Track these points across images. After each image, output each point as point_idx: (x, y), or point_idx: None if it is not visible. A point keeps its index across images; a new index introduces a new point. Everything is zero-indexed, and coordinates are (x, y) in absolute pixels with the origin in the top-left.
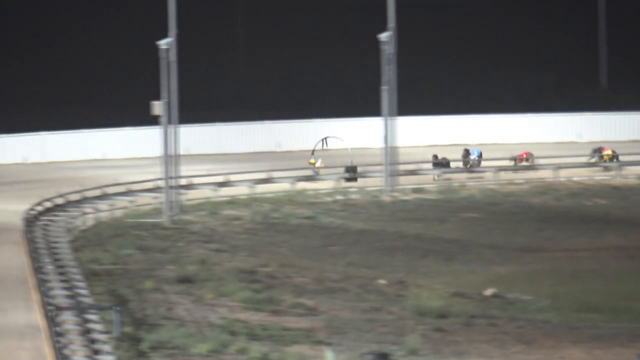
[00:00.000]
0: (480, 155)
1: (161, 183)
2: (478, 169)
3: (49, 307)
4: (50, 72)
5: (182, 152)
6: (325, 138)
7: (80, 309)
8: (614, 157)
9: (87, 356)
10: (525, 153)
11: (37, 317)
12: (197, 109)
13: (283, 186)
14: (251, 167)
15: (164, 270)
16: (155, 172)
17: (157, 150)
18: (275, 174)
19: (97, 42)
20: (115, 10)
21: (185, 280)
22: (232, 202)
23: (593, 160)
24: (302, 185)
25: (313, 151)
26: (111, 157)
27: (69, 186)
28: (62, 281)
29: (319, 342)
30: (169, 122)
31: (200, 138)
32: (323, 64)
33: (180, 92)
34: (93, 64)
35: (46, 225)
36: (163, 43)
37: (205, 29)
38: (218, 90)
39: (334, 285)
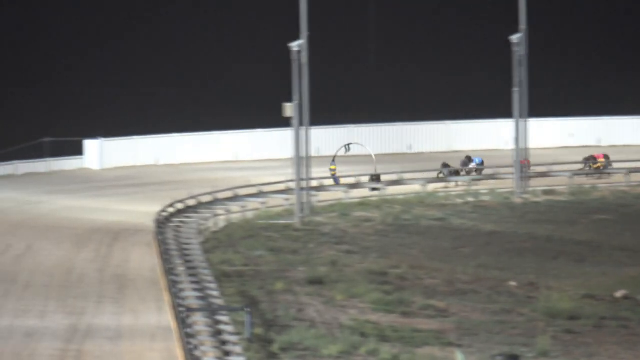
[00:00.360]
0: (481, 163)
1: (292, 185)
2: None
3: (180, 309)
4: (182, 75)
5: (313, 153)
6: (348, 144)
7: (211, 311)
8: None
9: (218, 357)
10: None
11: (168, 319)
12: (328, 110)
13: (414, 188)
14: (382, 169)
15: (295, 271)
16: (286, 174)
17: (288, 151)
18: (406, 176)
19: (229, 44)
20: (247, 12)
21: (316, 281)
22: (363, 203)
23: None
24: (433, 186)
25: (334, 158)
26: (243, 158)
27: (200, 187)
28: (193, 283)
29: (450, 344)
30: (301, 123)
31: (331, 140)
32: (454, 65)
33: (312, 94)
34: (224, 66)
35: (178, 226)
36: (295, 45)
37: (337, 30)
38: (349, 92)
39: (465, 287)
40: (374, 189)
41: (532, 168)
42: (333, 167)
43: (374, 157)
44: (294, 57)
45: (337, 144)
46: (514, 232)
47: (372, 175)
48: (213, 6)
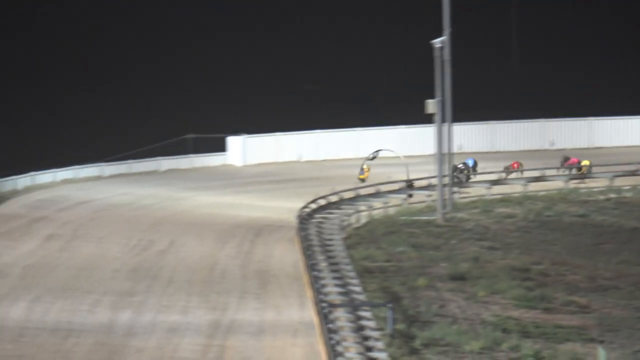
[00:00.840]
0: (475, 165)
1: (434, 181)
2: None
3: (323, 304)
4: (325, 71)
5: (455, 150)
6: (378, 150)
7: (353, 306)
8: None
9: (360, 353)
10: (516, 163)
11: (310, 314)
12: (470, 107)
13: (556, 184)
14: (526, 166)
15: (437, 267)
16: (428, 170)
17: (430, 148)
18: (549, 172)
19: (373, 40)
20: (390, 9)
21: (458, 277)
22: (505, 200)
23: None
24: (575, 183)
25: (362, 167)
26: (384, 155)
27: (342, 184)
28: (336, 278)
29: (592, 340)
30: (443, 120)
31: (473, 136)
32: (594, 60)
33: (454, 90)
34: (367, 63)
35: (320, 222)
36: (437, 42)
37: (479, 26)
38: (491, 88)
39: (607, 283)
40: (410, 196)
41: None
42: (362, 177)
43: (402, 158)
44: (437, 54)
45: (479, 140)
46: None
47: (406, 182)
48: (358, 2)
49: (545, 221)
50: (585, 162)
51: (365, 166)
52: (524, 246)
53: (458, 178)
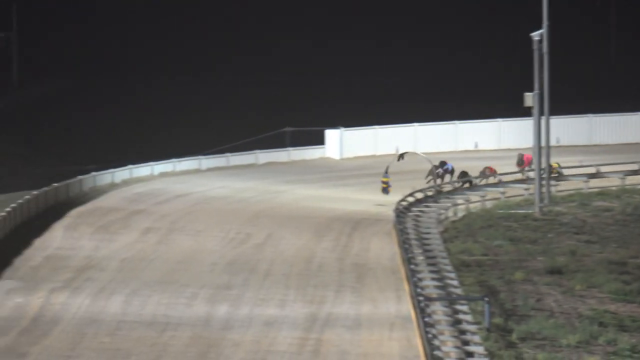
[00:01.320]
0: (452, 170)
1: (532, 174)
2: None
3: (419, 298)
4: (422, 65)
5: (552, 143)
6: (403, 153)
7: (450, 300)
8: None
9: (457, 347)
10: (490, 168)
11: (407, 308)
12: (567, 100)
13: None
14: (623, 159)
15: (534, 261)
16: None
17: (528, 141)
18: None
19: (469, 32)
20: (488, 1)
21: (555, 271)
22: (603, 193)
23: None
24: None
25: (387, 169)
26: (483, 148)
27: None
28: (433, 272)
29: None
30: (541, 113)
31: (570, 129)
32: None
33: (552, 84)
34: (466, 57)
35: (417, 215)
36: (535, 35)
37: (576, 19)
38: (589, 81)
39: None
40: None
41: None
42: (385, 180)
43: (421, 154)
44: (535, 47)
45: (576, 133)
46: None
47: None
48: None
49: None
50: (554, 164)
51: (386, 178)
52: (622, 240)
53: (437, 177)
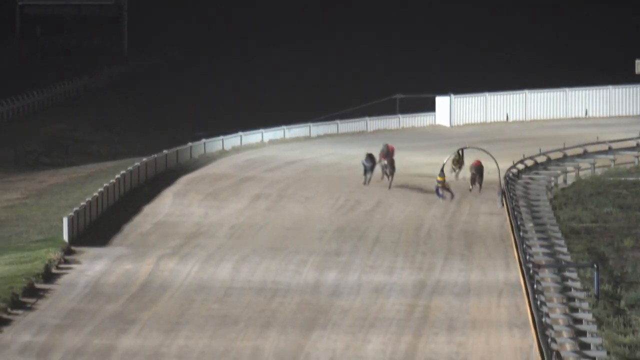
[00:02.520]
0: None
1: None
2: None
3: (528, 265)
4: (534, 33)
5: None
6: (462, 149)
7: (558, 267)
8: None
9: (565, 314)
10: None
11: (515, 275)
12: None
13: None
14: None
15: None
16: (636, 130)
17: (639, 108)
18: None
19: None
20: None
21: None
22: None
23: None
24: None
25: (442, 167)
26: (593, 115)
27: (550, 144)
28: (541, 239)
29: None
30: None
31: None
32: None
33: None
34: (576, 23)
35: (527, 183)
36: None
37: None
38: None
39: None
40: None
41: None
42: (440, 179)
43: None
44: None
45: None
46: None
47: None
48: None
49: None
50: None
51: (441, 177)
52: None
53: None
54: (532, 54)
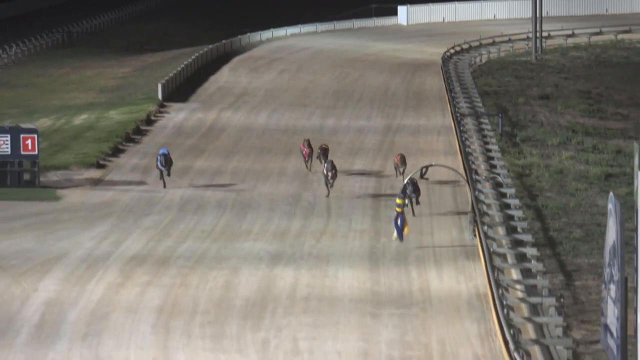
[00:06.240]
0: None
1: (531, 35)
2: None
3: (457, 114)
4: None
5: (545, 14)
6: (427, 166)
7: (477, 116)
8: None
9: (480, 145)
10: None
11: (449, 121)
12: None
13: (609, 37)
14: (588, 25)
15: (531, 90)
16: (527, 28)
17: (529, 12)
18: (605, 29)
19: None
20: None
21: (545, 97)
22: (576, 47)
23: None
24: (621, 36)
25: (404, 189)
26: (499, 17)
27: (471, 37)
28: (465, 97)
29: (630, 137)
30: None
31: (559, 3)
32: None
33: None
34: None
35: (456, 62)
36: None
37: None
38: None
39: None
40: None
41: None
42: (399, 202)
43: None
44: None
45: (561, 6)
46: None
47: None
48: None
49: (601, 61)
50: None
51: (400, 199)
52: (587, 77)
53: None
54: None
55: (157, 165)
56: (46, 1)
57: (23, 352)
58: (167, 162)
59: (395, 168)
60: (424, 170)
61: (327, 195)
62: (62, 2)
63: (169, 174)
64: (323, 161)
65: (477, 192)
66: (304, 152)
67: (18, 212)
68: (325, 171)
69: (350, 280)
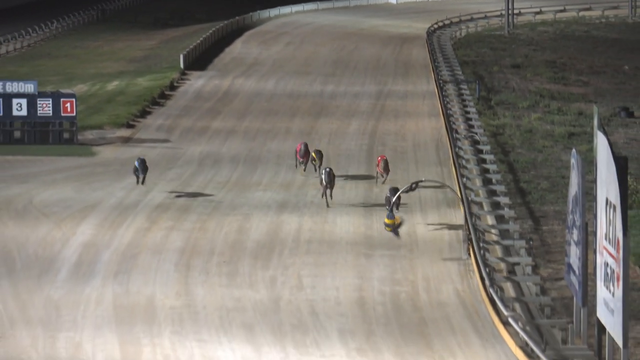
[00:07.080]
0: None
1: (504, 12)
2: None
3: (439, 81)
4: None
5: None
6: (418, 182)
7: (457, 82)
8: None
9: (460, 108)
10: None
11: (432, 87)
12: None
13: (572, 14)
14: (554, 3)
15: (504, 60)
16: (501, 6)
17: None
18: (568, 7)
19: None
20: None
21: (516, 66)
22: (543, 23)
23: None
24: (582, 13)
25: (393, 205)
26: None
27: (452, 14)
28: (447, 66)
29: (590, 101)
30: None
31: None
32: None
33: None
34: None
35: (439, 35)
36: None
37: None
38: None
39: (599, 69)
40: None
41: None
42: (389, 222)
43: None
44: None
45: None
46: (627, 38)
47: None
48: None
49: (565, 34)
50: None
51: (389, 219)
52: (553, 48)
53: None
54: None
55: (133, 171)
56: None
57: (63, 287)
58: (144, 169)
59: (378, 174)
60: (413, 186)
61: (328, 206)
62: None
63: (143, 182)
64: (318, 168)
65: (457, 149)
66: (298, 152)
67: (58, 166)
68: (324, 182)
69: (347, 225)
